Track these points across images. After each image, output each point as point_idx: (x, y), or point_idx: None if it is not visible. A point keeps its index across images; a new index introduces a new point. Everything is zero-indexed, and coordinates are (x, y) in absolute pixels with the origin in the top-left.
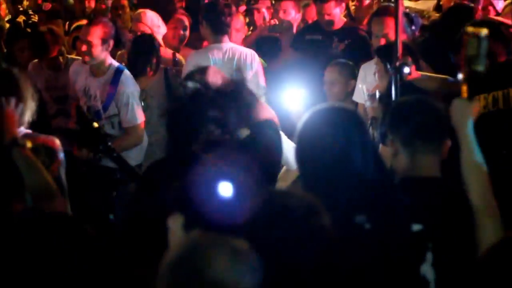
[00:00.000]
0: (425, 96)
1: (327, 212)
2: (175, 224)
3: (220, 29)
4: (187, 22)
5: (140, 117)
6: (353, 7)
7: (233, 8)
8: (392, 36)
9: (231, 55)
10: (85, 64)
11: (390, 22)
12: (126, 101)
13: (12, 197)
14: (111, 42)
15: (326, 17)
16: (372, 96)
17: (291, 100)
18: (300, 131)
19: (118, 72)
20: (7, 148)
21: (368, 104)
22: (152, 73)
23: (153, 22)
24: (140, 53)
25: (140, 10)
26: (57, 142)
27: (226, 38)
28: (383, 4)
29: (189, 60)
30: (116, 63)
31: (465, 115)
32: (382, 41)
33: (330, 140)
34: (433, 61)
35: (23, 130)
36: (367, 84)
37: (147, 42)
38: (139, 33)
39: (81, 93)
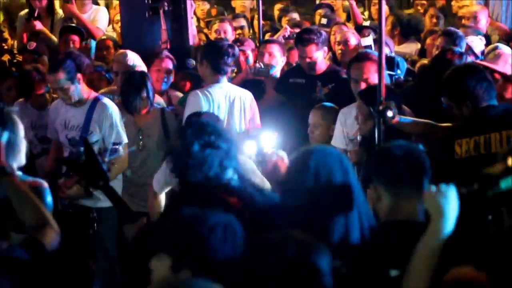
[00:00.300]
0: (407, 141)
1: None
2: (160, 265)
3: (221, 70)
4: (171, 65)
5: (125, 138)
6: (339, 51)
7: (236, 49)
8: (372, 81)
9: (232, 95)
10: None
11: (370, 66)
12: (108, 123)
13: None
14: (78, 75)
15: (307, 60)
16: (353, 140)
17: (265, 142)
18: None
19: (96, 100)
20: None
21: (349, 148)
22: (145, 110)
23: (135, 63)
24: (131, 89)
25: (121, 51)
26: (45, 184)
27: (225, 78)
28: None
29: (191, 100)
30: (95, 94)
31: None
32: (362, 85)
33: (313, 180)
34: (424, 106)
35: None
36: (347, 128)
37: (138, 78)
38: (120, 73)
39: (61, 126)
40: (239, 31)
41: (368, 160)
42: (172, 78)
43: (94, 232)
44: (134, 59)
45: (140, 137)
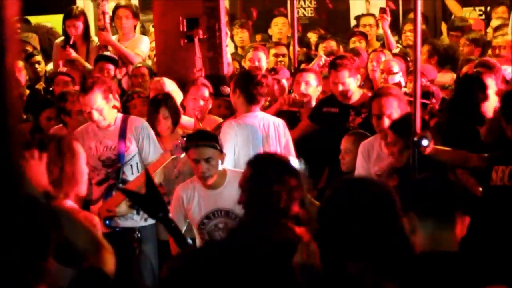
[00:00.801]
0: (441, 172)
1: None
2: None
3: (255, 99)
4: (206, 93)
5: (160, 150)
6: (382, 80)
7: (269, 79)
8: (394, 116)
9: (266, 123)
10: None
11: (392, 101)
12: (142, 136)
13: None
14: (111, 96)
15: (340, 86)
16: (388, 172)
17: None
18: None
19: (124, 118)
20: (36, 202)
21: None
22: (167, 132)
23: (170, 89)
24: (150, 111)
25: (157, 78)
26: (96, 219)
27: (258, 108)
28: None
29: (227, 131)
30: (121, 114)
31: None
32: (385, 121)
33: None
34: (459, 139)
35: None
36: (371, 163)
37: (156, 101)
38: None
39: (91, 150)
40: (280, 58)
41: (404, 191)
42: (209, 105)
43: (140, 251)
44: (170, 85)
45: (175, 164)
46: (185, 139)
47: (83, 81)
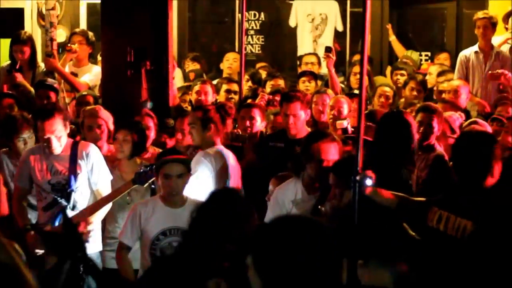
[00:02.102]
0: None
1: None
2: None
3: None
4: (150, 123)
5: (109, 176)
6: (331, 117)
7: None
8: (332, 160)
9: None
10: (41, 146)
11: (327, 148)
12: (92, 161)
13: None
14: (67, 123)
15: (291, 119)
16: (331, 213)
17: None
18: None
19: (74, 144)
20: None
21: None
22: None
23: (108, 117)
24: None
25: (95, 106)
26: (17, 247)
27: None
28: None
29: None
30: (71, 139)
31: None
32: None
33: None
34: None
35: None
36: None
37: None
38: (95, 127)
39: (42, 173)
40: (232, 95)
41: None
42: (152, 135)
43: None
44: (108, 114)
45: (128, 191)
46: (148, 168)
47: (41, 108)
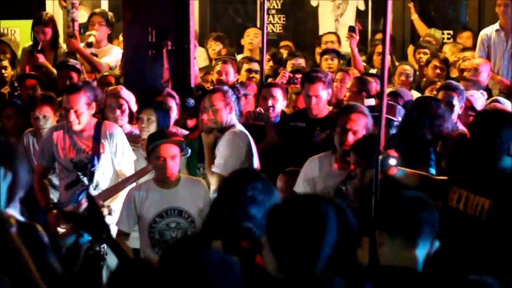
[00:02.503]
0: (422, 194)
1: None
2: None
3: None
4: (172, 103)
5: (133, 156)
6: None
7: (241, 91)
8: (358, 134)
9: None
10: (65, 124)
11: (360, 119)
12: (116, 142)
13: None
14: (93, 103)
15: (313, 99)
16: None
17: None
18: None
19: (98, 124)
20: None
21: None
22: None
23: (130, 97)
24: None
25: (116, 86)
26: (38, 227)
27: None
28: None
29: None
30: (95, 119)
31: None
32: (350, 137)
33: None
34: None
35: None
36: (317, 179)
37: None
38: (116, 107)
39: (64, 151)
40: (253, 74)
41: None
42: (175, 115)
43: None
44: (129, 93)
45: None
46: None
47: (73, 82)
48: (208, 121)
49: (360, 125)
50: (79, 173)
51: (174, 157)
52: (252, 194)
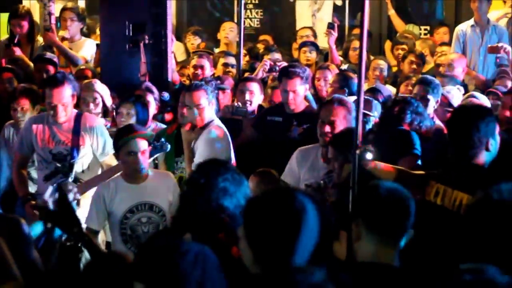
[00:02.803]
0: (398, 185)
1: None
2: None
3: None
4: (150, 97)
5: (112, 149)
6: (319, 87)
7: (214, 85)
8: (338, 125)
9: None
10: (45, 116)
11: (340, 111)
12: (96, 134)
13: None
14: (75, 93)
15: (290, 94)
16: (319, 184)
17: None
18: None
19: (78, 115)
20: None
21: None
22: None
23: (104, 90)
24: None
25: (91, 79)
26: (21, 220)
27: None
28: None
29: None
30: (75, 110)
31: None
32: (326, 128)
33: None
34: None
35: None
36: (303, 171)
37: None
38: (90, 101)
39: (43, 142)
40: (229, 69)
41: (359, 194)
42: (154, 110)
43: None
44: (104, 87)
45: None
46: (159, 143)
47: (52, 75)
48: (190, 119)
49: (340, 116)
50: (58, 165)
51: (144, 152)
52: (223, 186)
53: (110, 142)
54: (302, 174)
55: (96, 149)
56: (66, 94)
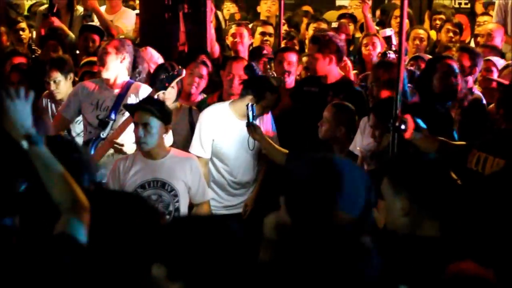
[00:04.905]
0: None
1: None
2: (158, 273)
3: None
4: (204, 71)
5: None
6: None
7: None
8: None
9: None
10: (97, 82)
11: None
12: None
13: None
14: (128, 59)
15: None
16: (370, 156)
17: None
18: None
19: (129, 83)
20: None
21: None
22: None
23: (153, 59)
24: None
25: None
26: None
27: None
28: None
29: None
30: (127, 79)
31: None
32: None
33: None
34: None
35: None
36: (363, 138)
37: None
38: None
39: (92, 106)
40: (267, 38)
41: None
42: (204, 84)
43: None
44: (153, 55)
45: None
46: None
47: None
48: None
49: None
50: (102, 130)
51: (145, 125)
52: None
53: None
54: (360, 141)
55: None
56: (111, 44)
